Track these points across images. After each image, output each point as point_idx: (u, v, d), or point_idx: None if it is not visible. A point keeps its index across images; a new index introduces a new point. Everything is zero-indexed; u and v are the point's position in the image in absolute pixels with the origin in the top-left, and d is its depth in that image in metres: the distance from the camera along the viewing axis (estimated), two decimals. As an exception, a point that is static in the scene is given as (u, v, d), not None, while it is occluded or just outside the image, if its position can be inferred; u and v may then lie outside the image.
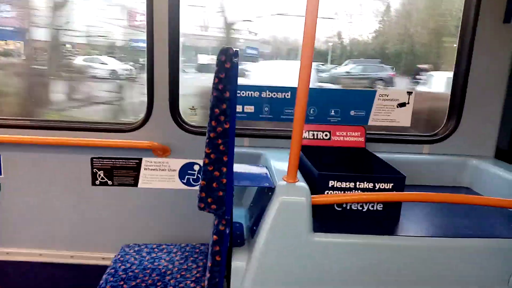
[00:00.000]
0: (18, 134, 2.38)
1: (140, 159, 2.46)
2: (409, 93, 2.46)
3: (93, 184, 2.49)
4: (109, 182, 2.49)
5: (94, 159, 2.45)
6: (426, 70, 4.12)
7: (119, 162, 2.46)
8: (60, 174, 2.48)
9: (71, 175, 2.48)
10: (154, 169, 2.48)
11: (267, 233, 1.63)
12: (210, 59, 4.13)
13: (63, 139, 2.37)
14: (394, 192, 1.79)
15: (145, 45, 2.37)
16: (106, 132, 2.43)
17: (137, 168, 2.48)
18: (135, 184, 2.49)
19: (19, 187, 2.48)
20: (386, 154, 2.33)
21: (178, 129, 2.43)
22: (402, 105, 2.46)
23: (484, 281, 1.68)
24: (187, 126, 2.45)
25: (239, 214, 2.12)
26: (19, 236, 2.55)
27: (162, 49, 2.33)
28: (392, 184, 1.78)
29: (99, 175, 2.48)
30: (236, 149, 1.61)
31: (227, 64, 1.47)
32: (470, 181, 2.40)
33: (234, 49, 1.50)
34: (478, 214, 1.96)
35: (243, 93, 2.39)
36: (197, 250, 2.14)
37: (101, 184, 2.49)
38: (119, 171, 2.47)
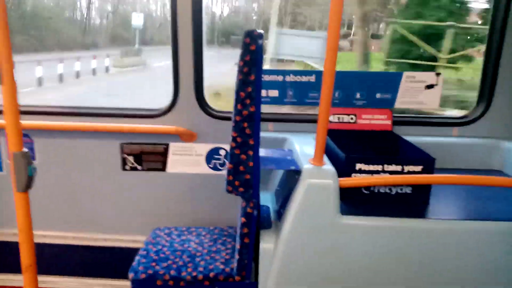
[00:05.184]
0: (49, 121, 2.46)
1: (167, 144, 2.51)
2: (438, 74, 2.40)
3: (123, 169, 2.56)
4: (139, 167, 2.55)
5: (123, 145, 2.52)
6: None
7: (148, 147, 2.52)
8: (91, 160, 2.56)
9: (101, 160, 2.56)
10: (181, 154, 2.53)
11: (294, 215, 1.65)
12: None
13: (93, 125, 2.44)
14: (424, 175, 1.76)
15: None
16: (135, 118, 2.49)
17: (164, 153, 2.53)
18: (163, 169, 2.55)
19: (52, 172, 2.58)
20: (414, 137, 2.29)
21: (203, 114, 2.46)
22: (430, 87, 2.41)
23: None
24: (212, 112, 2.48)
25: (266, 198, 2.15)
26: (54, 220, 2.65)
27: (186, 35, 2.34)
28: (422, 166, 1.75)
29: (129, 160, 2.55)
30: (260, 134, 1.62)
31: (252, 46, 1.47)
32: (501, 164, 2.34)
33: (259, 31, 1.49)
34: (510, 197, 1.92)
35: (266, 78, 2.39)
36: (225, 233, 2.19)
37: (131, 169, 2.56)
38: (148, 156, 2.53)
